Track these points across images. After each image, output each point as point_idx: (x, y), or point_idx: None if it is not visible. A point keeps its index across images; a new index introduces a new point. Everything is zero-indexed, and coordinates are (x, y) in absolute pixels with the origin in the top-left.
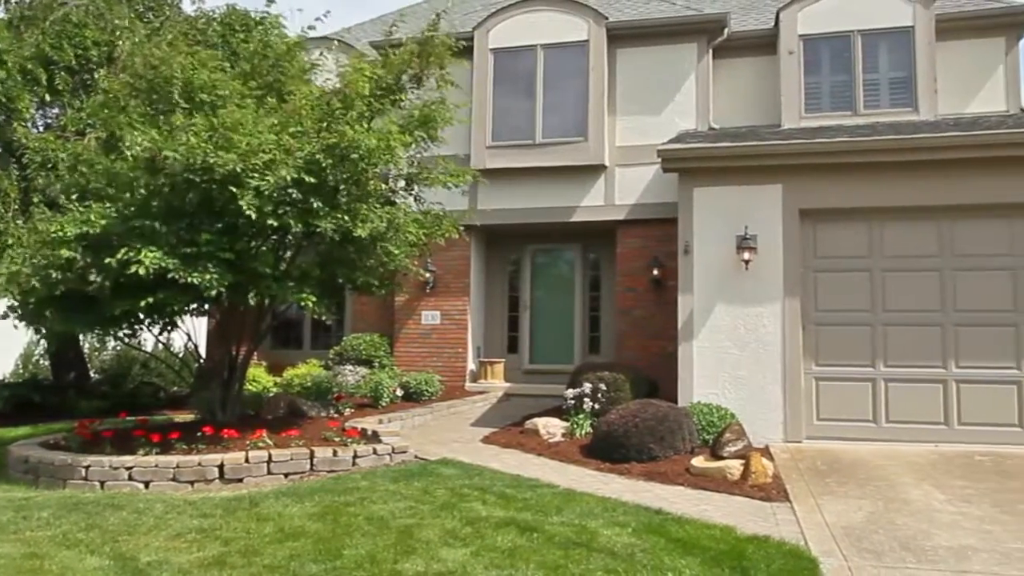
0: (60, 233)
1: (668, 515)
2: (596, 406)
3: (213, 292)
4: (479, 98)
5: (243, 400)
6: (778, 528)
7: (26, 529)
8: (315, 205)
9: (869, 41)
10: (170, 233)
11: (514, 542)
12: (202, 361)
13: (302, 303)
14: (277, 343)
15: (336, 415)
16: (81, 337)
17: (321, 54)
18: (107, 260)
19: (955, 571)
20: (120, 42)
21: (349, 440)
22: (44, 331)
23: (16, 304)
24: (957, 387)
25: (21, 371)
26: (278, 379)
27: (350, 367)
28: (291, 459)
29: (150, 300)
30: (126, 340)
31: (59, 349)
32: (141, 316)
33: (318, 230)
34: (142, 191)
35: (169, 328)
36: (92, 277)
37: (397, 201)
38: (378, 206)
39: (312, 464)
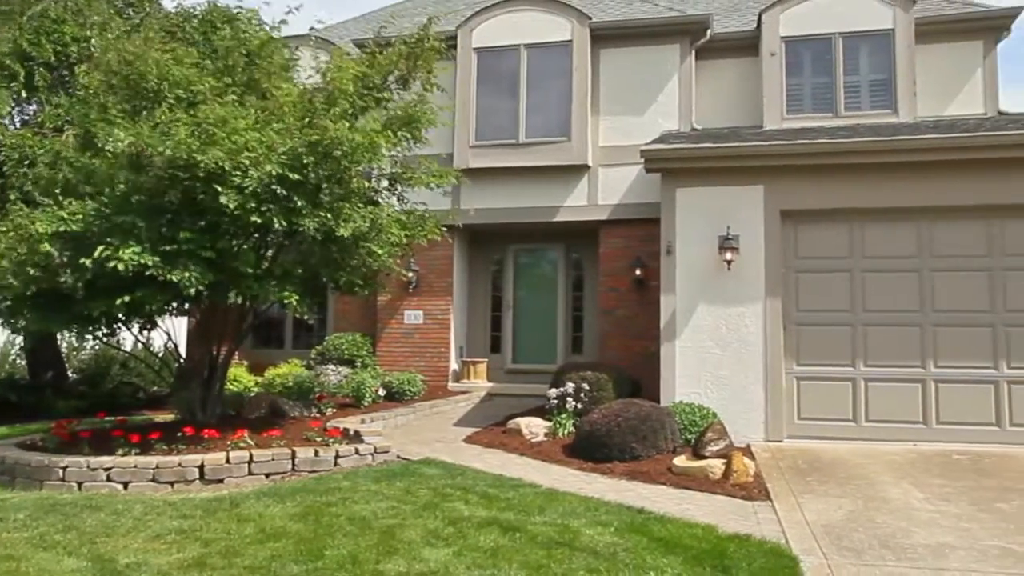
0: (35, 229)
1: (650, 514)
2: (579, 406)
3: (193, 291)
4: (462, 97)
5: (224, 400)
6: (759, 527)
7: (2, 531)
8: (298, 203)
9: (850, 43)
10: (150, 230)
11: (496, 542)
12: (182, 361)
13: (284, 302)
14: (258, 342)
15: (318, 415)
16: (59, 336)
17: (297, 49)
18: (82, 260)
19: (933, 568)
20: (94, 38)
21: (331, 440)
22: (20, 329)
23: None
24: (935, 387)
25: None
26: (259, 379)
27: (332, 367)
28: (272, 459)
29: (127, 299)
30: (104, 339)
31: (36, 348)
32: (119, 315)
33: (301, 229)
34: (122, 187)
35: (149, 327)
36: (62, 279)
37: (380, 201)
38: (361, 206)
39: (294, 464)
